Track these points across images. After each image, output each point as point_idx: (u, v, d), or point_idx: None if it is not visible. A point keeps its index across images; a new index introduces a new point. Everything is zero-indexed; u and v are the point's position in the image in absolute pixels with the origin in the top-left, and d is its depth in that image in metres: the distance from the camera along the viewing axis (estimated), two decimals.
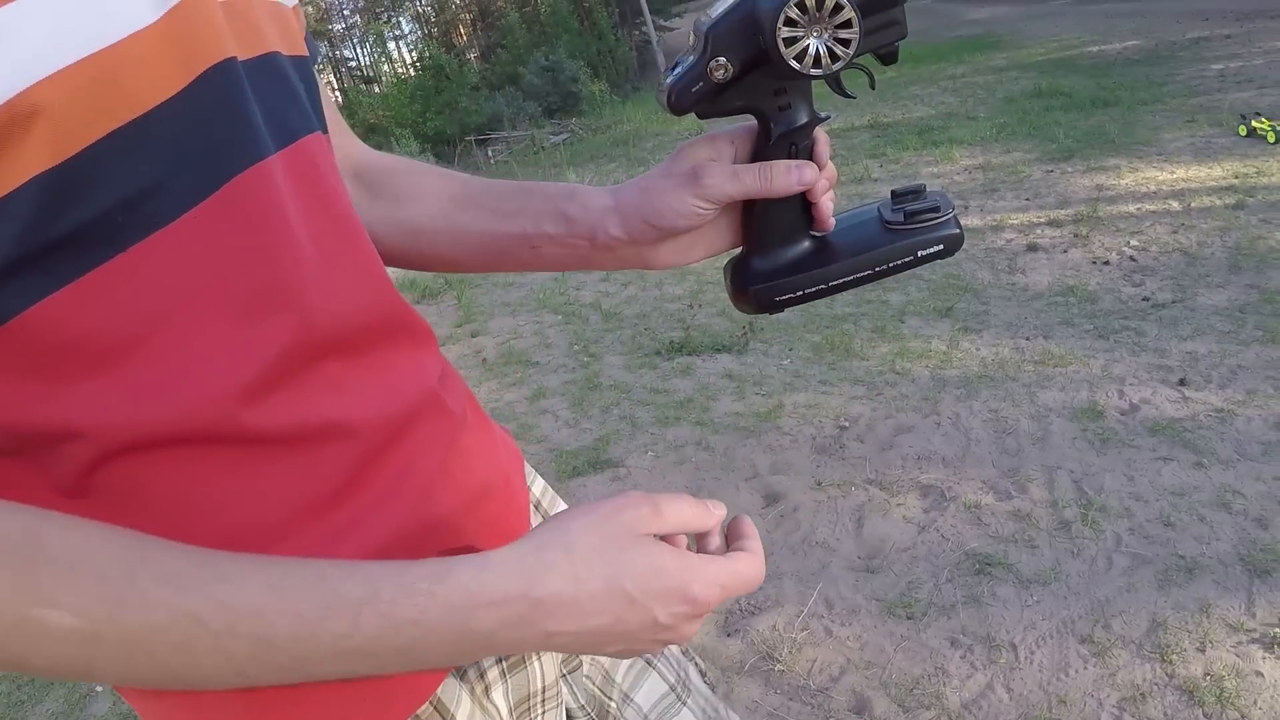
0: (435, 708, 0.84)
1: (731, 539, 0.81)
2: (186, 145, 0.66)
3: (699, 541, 0.81)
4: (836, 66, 0.82)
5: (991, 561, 3.25)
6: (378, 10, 67.76)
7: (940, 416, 4.35)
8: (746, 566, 0.77)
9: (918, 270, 6.45)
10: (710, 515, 0.79)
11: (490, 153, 24.72)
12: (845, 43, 0.81)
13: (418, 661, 0.66)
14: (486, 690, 0.89)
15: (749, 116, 0.92)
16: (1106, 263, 6.06)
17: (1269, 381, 4.13)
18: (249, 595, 0.60)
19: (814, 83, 0.88)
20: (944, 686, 2.78)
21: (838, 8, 0.79)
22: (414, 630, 0.64)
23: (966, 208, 7.83)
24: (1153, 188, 7.38)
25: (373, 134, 30.04)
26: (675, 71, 0.88)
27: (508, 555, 0.69)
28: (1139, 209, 6.94)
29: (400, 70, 58.78)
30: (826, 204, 0.95)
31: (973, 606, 3.06)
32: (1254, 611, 2.85)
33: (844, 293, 0.96)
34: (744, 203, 0.95)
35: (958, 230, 0.94)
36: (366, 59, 68.34)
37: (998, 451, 3.95)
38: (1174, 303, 5.23)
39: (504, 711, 0.91)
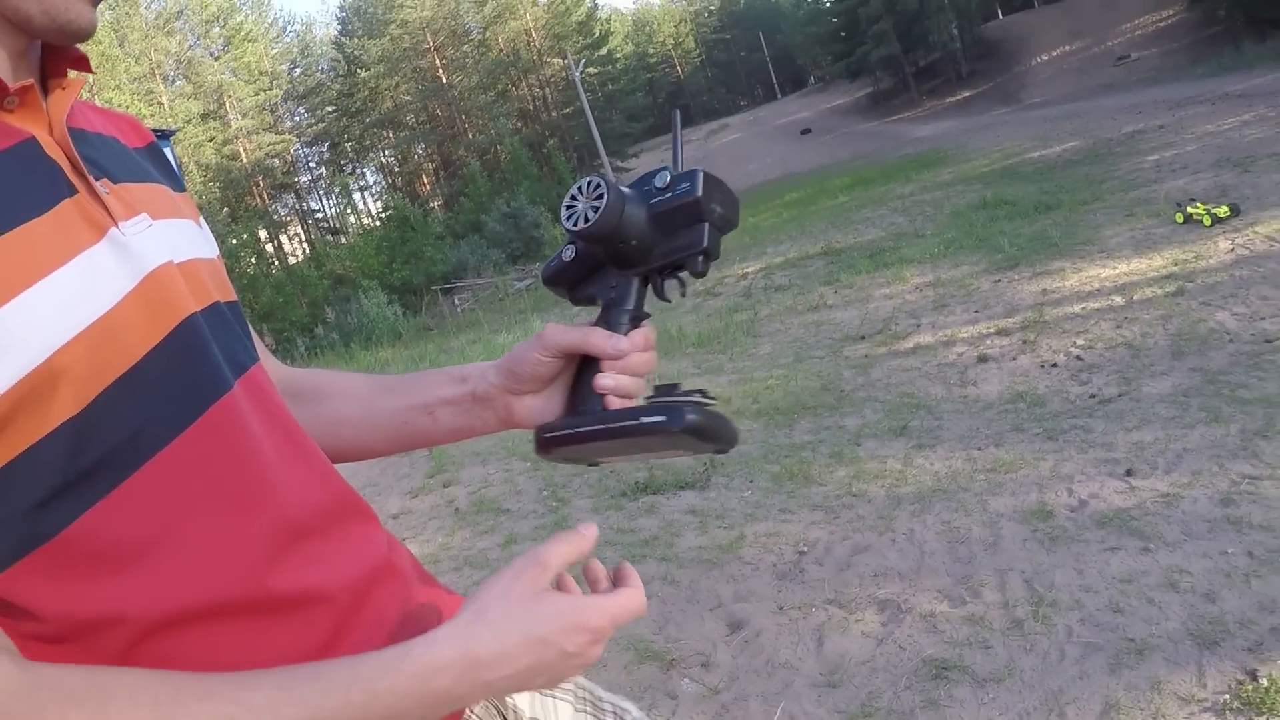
0: None
1: (618, 582, 0.99)
2: (170, 384, 0.86)
3: (592, 588, 1.00)
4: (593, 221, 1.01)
5: (948, 665, 3.32)
6: (342, 162, 68.77)
7: (895, 533, 4.43)
8: (628, 599, 0.95)
9: (873, 393, 6.63)
10: (584, 539, 0.98)
11: (456, 300, 24.88)
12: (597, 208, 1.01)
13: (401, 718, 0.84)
14: None
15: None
16: (1054, 365, 6.23)
17: (1213, 460, 4.26)
18: (265, 694, 0.78)
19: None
20: None
21: (594, 185, 1.02)
22: (390, 697, 0.81)
23: (919, 325, 8.03)
24: (1096, 285, 7.61)
25: (340, 285, 30.21)
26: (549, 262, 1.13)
27: (447, 632, 0.87)
28: (1083, 308, 7.15)
29: (366, 220, 59.38)
30: (617, 383, 1.09)
31: (931, 710, 3.13)
32: (1205, 682, 2.93)
33: (606, 447, 1.08)
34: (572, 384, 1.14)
35: (686, 416, 1.02)
36: (333, 209, 69.11)
37: (951, 560, 4.05)
38: (1120, 396, 5.39)
39: None
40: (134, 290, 0.84)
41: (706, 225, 1.02)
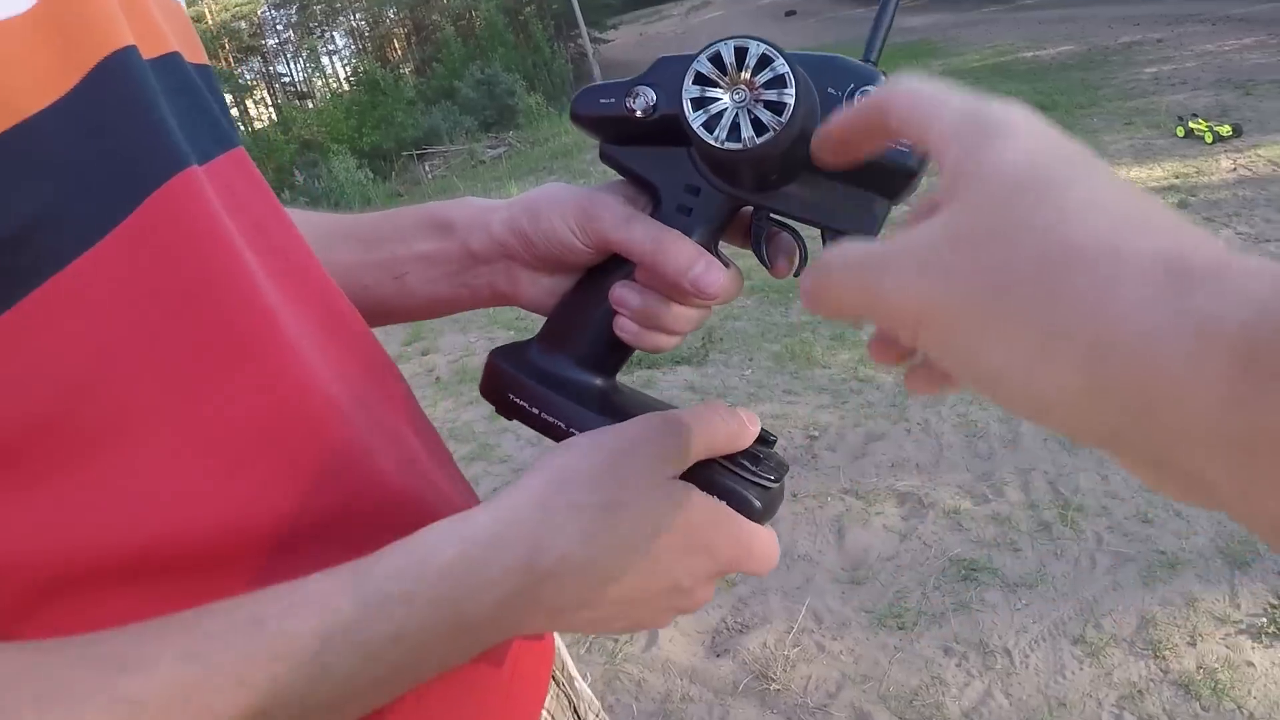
0: None
1: None
2: (84, 159, 0.49)
3: None
4: (762, 139, 0.60)
5: (976, 567, 3.23)
6: (311, 25, 67.45)
7: (910, 423, 4.32)
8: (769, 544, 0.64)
9: None
10: (746, 432, 0.64)
11: (428, 167, 24.48)
12: (777, 109, 0.60)
13: (410, 680, 0.52)
14: None
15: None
16: None
17: None
18: (162, 679, 0.44)
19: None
20: (943, 696, 2.75)
21: (765, 60, 0.61)
22: (395, 650, 0.50)
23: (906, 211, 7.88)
24: None
25: (308, 150, 29.68)
26: (604, 83, 0.69)
27: (503, 516, 0.55)
28: None
29: (335, 85, 58.50)
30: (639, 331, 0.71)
31: (963, 613, 3.05)
32: (1238, 603, 2.86)
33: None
34: (579, 279, 0.75)
35: (757, 503, 0.65)
36: (300, 74, 67.90)
37: (970, 456, 3.94)
38: None
39: None
40: (31, 10, 0.47)
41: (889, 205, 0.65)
